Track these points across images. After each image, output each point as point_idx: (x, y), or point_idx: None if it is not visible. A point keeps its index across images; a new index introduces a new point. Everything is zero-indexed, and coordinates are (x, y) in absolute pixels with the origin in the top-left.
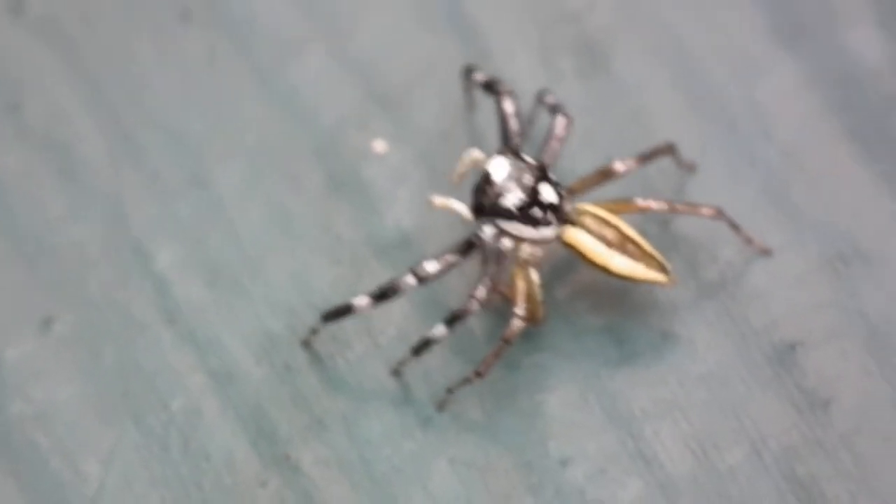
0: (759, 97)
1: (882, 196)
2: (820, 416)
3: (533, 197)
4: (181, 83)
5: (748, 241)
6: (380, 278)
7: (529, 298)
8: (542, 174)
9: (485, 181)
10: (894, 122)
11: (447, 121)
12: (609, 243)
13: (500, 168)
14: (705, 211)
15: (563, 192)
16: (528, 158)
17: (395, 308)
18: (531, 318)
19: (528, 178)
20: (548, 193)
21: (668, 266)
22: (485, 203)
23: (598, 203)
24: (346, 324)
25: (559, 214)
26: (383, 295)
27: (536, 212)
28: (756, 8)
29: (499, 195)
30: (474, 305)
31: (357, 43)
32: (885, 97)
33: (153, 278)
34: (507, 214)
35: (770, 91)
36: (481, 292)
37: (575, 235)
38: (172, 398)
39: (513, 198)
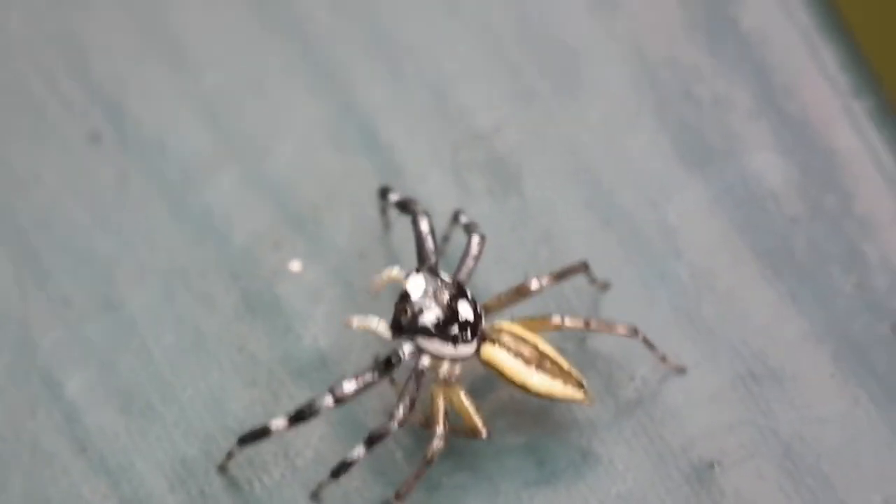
0: (668, 218)
1: (789, 315)
2: None
3: (451, 314)
4: (91, 205)
5: (663, 359)
6: (297, 399)
7: (465, 416)
8: (459, 291)
9: (402, 299)
10: (797, 243)
11: (362, 239)
12: (527, 360)
13: (417, 286)
14: (620, 329)
15: (481, 310)
16: (445, 276)
17: (312, 429)
18: (474, 434)
19: (445, 296)
20: (465, 310)
21: (586, 383)
22: (403, 321)
23: (515, 320)
24: (263, 447)
25: (477, 332)
26: (300, 416)
27: (454, 329)
28: (661, 134)
29: (417, 313)
30: (393, 426)
31: (270, 163)
32: (787, 219)
33: (62, 406)
34: (426, 332)
35: (679, 212)
36: (400, 412)
37: (493, 353)
38: None
39: (431, 315)
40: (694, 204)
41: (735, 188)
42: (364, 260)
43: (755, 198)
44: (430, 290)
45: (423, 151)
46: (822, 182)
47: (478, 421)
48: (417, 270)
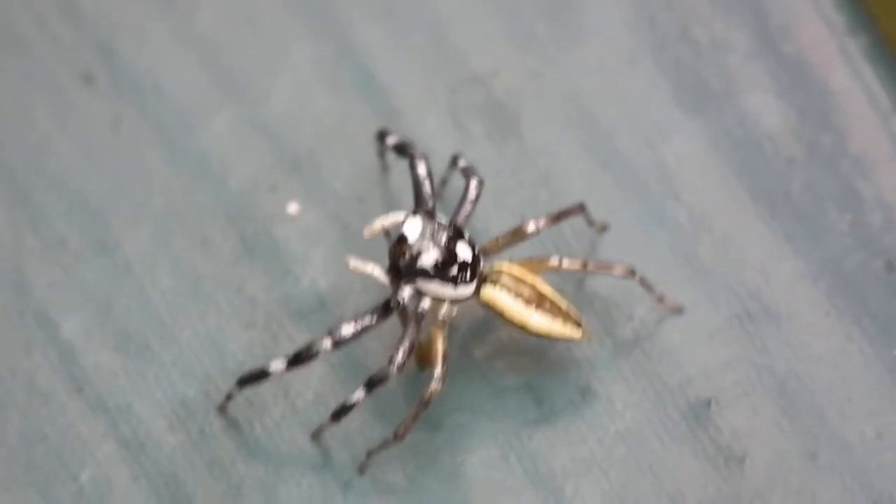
0: (666, 160)
1: (785, 254)
2: (735, 472)
3: (449, 255)
4: (85, 147)
5: (660, 299)
6: (295, 341)
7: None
8: (456, 233)
9: (400, 242)
10: (793, 184)
11: (360, 182)
12: (526, 301)
13: (414, 228)
14: (618, 270)
15: (479, 251)
16: (442, 219)
17: (312, 371)
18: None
19: (443, 238)
20: (464, 252)
21: (584, 322)
22: (401, 264)
23: (513, 262)
24: (263, 388)
25: (476, 272)
26: (299, 359)
27: (454, 270)
28: (659, 76)
29: (415, 255)
30: (393, 369)
31: (267, 106)
32: (783, 159)
33: (58, 346)
34: (425, 274)
35: (676, 154)
36: (400, 356)
37: (493, 294)
38: (81, 469)
39: (429, 257)
40: (691, 146)
41: (732, 130)
42: (362, 203)
43: (752, 139)
44: (428, 232)
45: (421, 94)
46: (818, 122)
47: (429, 356)
48: (415, 213)
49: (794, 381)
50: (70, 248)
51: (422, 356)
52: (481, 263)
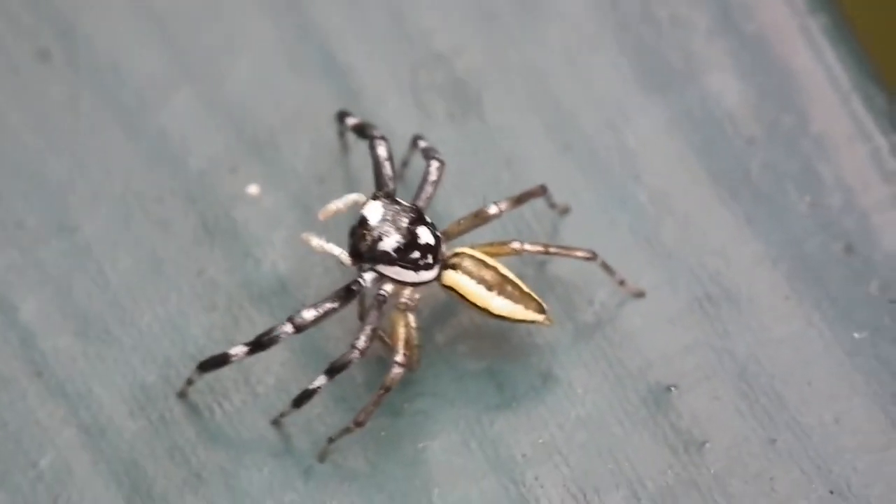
0: (627, 142)
1: (745, 236)
2: (694, 457)
3: (411, 239)
4: (42, 127)
5: (621, 283)
6: (257, 324)
7: (407, 343)
8: (418, 217)
9: (360, 225)
10: (753, 164)
11: (321, 164)
12: (488, 285)
13: (375, 212)
14: (579, 254)
15: (440, 235)
16: (403, 202)
17: (273, 356)
18: (409, 364)
19: (404, 221)
20: (425, 235)
21: (546, 306)
22: (362, 248)
23: (475, 246)
24: (224, 373)
25: (437, 257)
26: (260, 344)
27: (415, 254)
28: (621, 56)
29: (376, 239)
30: (355, 354)
31: (227, 86)
32: (744, 140)
33: (17, 329)
34: (386, 258)
35: (637, 135)
36: (362, 341)
37: (454, 278)
38: (40, 455)
39: (391, 241)
40: (653, 127)
41: (693, 110)
42: (323, 184)
43: (713, 119)
44: (389, 215)
45: (382, 74)
46: (778, 102)
47: (418, 354)
48: (375, 196)
49: (755, 365)
50: (28, 230)
51: (409, 355)
52: (442, 247)
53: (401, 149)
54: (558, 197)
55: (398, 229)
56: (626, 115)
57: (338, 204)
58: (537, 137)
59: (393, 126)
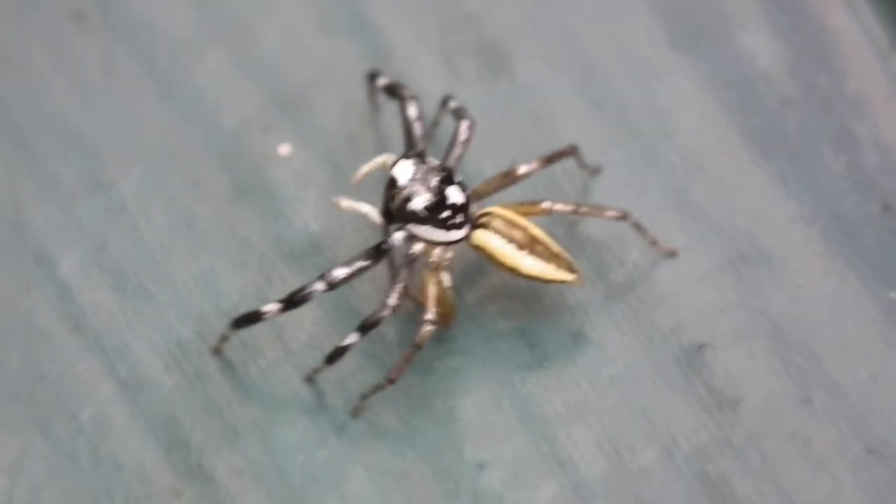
0: (659, 101)
1: (778, 196)
2: (728, 416)
3: (440, 199)
4: (78, 86)
5: (653, 242)
6: (289, 282)
7: (441, 302)
8: (447, 176)
9: (390, 185)
10: (788, 124)
11: (351, 123)
12: (518, 245)
13: (404, 171)
14: (611, 213)
15: (470, 195)
16: (433, 161)
17: (305, 313)
18: (443, 321)
19: (434, 181)
20: (455, 195)
21: (577, 266)
22: (392, 207)
23: (505, 206)
24: (257, 330)
25: (467, 216)
26: (293, 302)
27: (445, 213)
28: (652, 14)
29: (406, 198)
30: (386, 312)
31: (258, 46)
32: (778, 100)
33: (56, 284)
34: (416, 218)
35: (669, 95)
36: (393, 299)
37: (484, 238)
38: (80, 408)
39: (420, 200)
40: (685, 86)
41: (726, 70)
42: (353, 144)
43: (747, 79)
44: (419, 175)
45: (412, 33)
46: (814, 62)
47: (453, 313)
48: (405, 156)
49: (788, 324)
50: (65, 187)
51: (443, 313)
52: (472, 206)
53: (431, 108)
54: (588, 157)
55: (428, 189)
56: (658, 74)
57: (367, 167)
58: (567, 97)
59: (423, 86)
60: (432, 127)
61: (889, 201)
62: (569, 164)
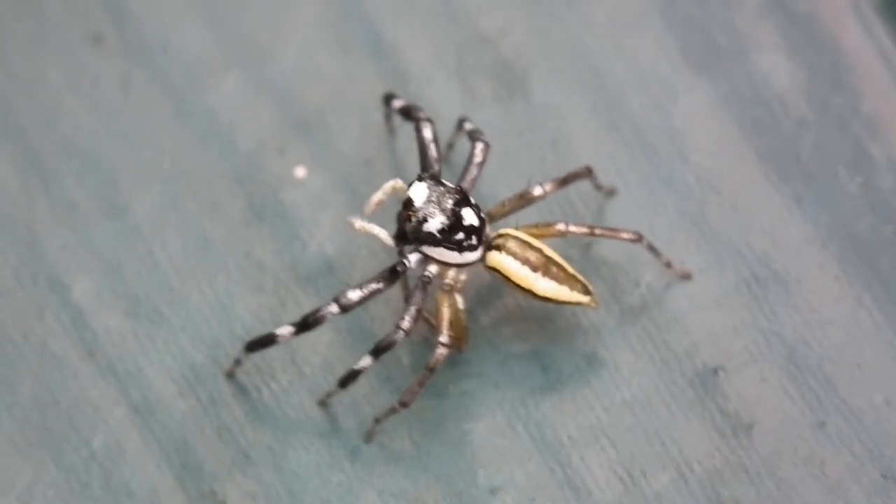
0: (674, 122)
1: (794, 217)
2: (742, 440)
3: (455, 221)
4: (94, 109)
5: (668, 265)
6: (304, 305)
7: (455, 324)
8: (462, 198)
9: (406, 207)
10: (803, 145)
11: (367, 145)
12: (533, 266)
13: (420, 193)
14: (625, 235)
15: (485, 217)
16: (448, 183)
17: (319, 337)
18: (456, 344)
19: (448, 203)
20: (470, 217)
21: (592, 288)
22: (407, 229)
23: (520, 227)
24: (271, 354)
25: (482, 238)
26: (306, 324)
27: (459, 235)
28: (668, 34)
29: (421, 220)
30: (400, 335)
31: (274, 67)
32: (793, 120)
33: (70, 309)
34: (431, 239)
35: (684, 116)
36: (407, 322)
37: (499, 259)
38: (93, 433)
39: (435, 222)
40: (700, 106)
41: (741, 90)
42: (369, 167)
43: (762, 100)
44: (434, 197)
45: (429, 55)
46: (829, 83)
47: (466, 335)
48: (420, 178)
49: (803, 347)
50: (80, 210)
51: (457, 336)
52: (486, 228)
53: (447, 130)
54: (604, 177)
55: (443, 210)
56: (674, 94)
57: (379, 195)
58: (583, 117)
59: (439, 107)
60: (448, 149)
61: None
62: (584, 185)
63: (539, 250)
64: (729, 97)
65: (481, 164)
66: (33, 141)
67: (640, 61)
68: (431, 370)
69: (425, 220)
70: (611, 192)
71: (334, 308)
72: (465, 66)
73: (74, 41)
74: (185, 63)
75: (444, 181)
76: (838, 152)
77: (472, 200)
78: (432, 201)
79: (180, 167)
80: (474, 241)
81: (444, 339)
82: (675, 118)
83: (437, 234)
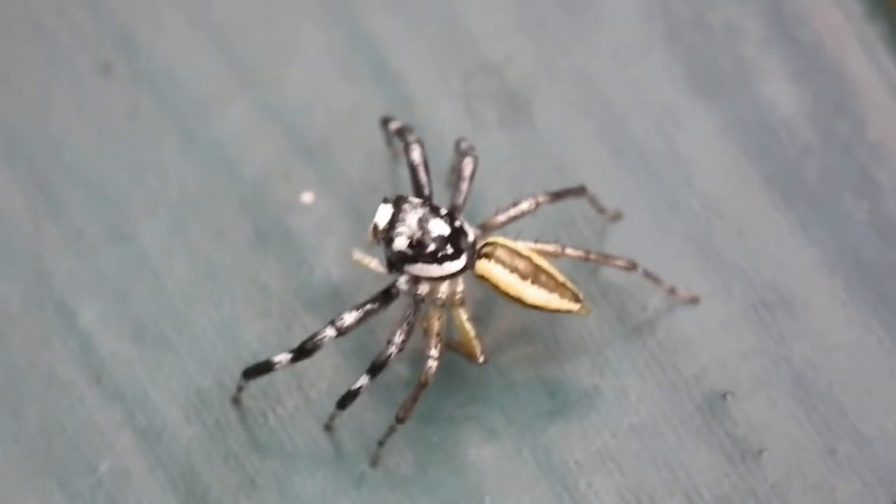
0: (679, 148)
1: (800, 243)
2: (751, 466)
3: (421, 234)
4: (102, 136)
5: (671, 291)
6: (309, 329)
7: (463, 338)
8: (429, 210)
9: (373, 232)
10: (809, 171)
11: (373, 171)
12: (522, 275)
13: (383, 215)
14: (620, 263)
15: (461, 224)
16: (415, 199)
17: (325, 361)
18: (468, 357)
19: (413, 218)
20: (438, 227)
21: (582, 295)
22: (386, 254)
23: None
24: (277, 378)
25: (460, 246)
26: (303, 351)
27: (431, 247)
28: (673, 62)
29: (390, 241)
30: (392, 350)
31: (280, 95)
32: (799, 146)
33: (77, 335)
34: (406, 257)
35: (689, 142)
36: (398, 338)
37: (488, 268)
38: (99, 459)
39: (402, 239)
40: (705, 133)
41: (747, 117)
42: (375, 192)
43: (767, 126)
44: (400, 215)
45: (434, 82)
46: (834, 109)
47: (476, 345)
48: (385, 200)
49: (812, 372)
50: (87, 237)
51: (466, 348)
52: (467, 237)
53: (450, 156)
54: (609, 203)
55: (407, 226)
56: (678, 120)
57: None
58: (588, 143)
59: (444, 134)
60: (450, 172)
61: None
62: (591, 210)
63: (528, 259)
64: (734, 123)
65: (471, 178)
66: (41, 168)
67: (644, 88)
68: (424, 384)
69: (392, 240)
70: (616, 217)
71: (331, 332)
72: (471, 93)
73: (83, 70)
74: (191, 91)
75: (410, 198)
76: (844, 178)
77: (442, 210)
78: (398, 220)
79: (187, 194)
80: (450, 250)
81: (433, 352)
82: (680, 144)
83: (408, 251)
